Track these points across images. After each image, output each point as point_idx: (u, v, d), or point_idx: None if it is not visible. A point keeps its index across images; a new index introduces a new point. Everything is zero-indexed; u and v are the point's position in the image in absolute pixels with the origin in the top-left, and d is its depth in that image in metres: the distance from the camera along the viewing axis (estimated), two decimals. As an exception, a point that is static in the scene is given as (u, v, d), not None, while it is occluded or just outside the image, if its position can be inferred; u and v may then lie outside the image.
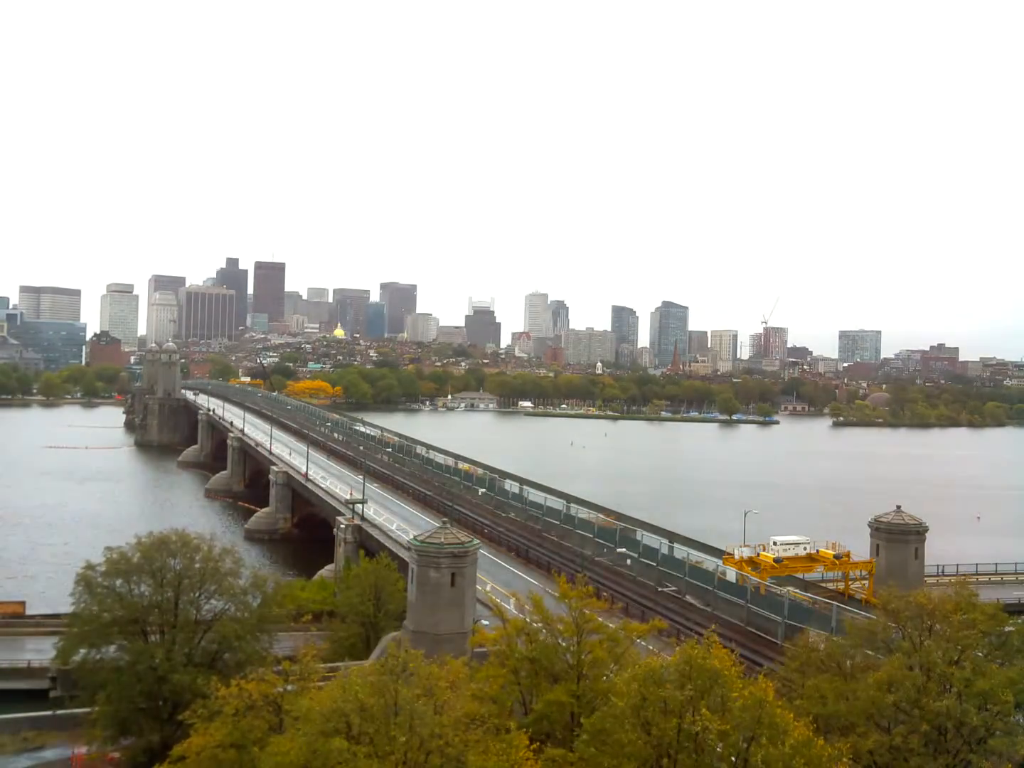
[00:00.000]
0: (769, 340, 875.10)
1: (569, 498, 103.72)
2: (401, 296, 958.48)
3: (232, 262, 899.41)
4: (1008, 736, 35.88)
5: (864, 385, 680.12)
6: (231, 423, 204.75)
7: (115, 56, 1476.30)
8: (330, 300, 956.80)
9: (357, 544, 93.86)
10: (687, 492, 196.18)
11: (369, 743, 32.05)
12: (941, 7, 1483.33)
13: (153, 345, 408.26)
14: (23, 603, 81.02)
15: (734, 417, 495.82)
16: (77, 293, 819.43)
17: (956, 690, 36.53)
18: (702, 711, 31.42)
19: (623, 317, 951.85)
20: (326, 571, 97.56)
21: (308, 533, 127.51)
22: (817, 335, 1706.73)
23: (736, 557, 74.93)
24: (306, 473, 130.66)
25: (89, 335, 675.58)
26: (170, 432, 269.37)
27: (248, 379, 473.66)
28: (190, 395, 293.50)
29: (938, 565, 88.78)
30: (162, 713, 49.99)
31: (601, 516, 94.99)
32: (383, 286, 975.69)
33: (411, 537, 64.76)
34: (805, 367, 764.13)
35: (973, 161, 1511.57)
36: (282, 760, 32.75)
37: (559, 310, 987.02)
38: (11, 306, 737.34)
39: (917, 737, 35.64)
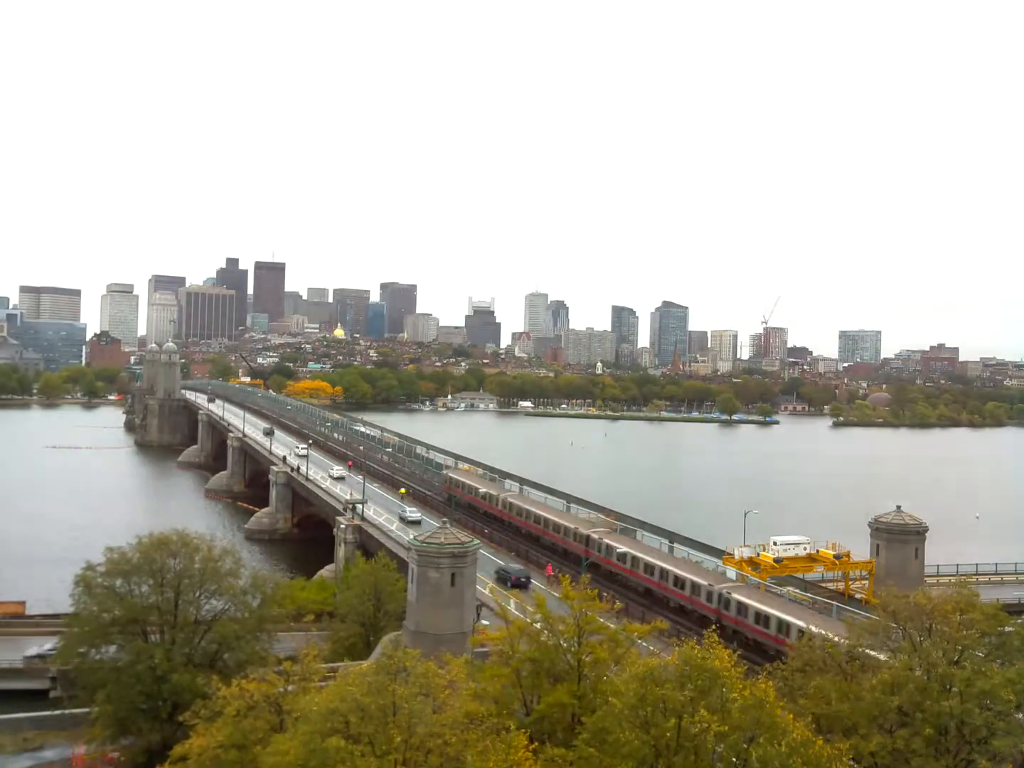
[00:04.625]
0: (769, 340, 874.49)
1: (569, 498, 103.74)
2: (401, 296, 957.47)
3: (232, 262, 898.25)
4: (1010, 736, 35.83)
5: (864, 385, 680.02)
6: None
7: (115, 56, 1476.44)
8: (330, 300, 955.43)
9: (357, 544, 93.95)
10: (687, 492, 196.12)
11: (367, 743, 32.03)
12: (941, 7, 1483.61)
13: (153, 345, 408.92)
14: (23, 603, 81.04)
15: (734, 417, 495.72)
16: (77, 293, 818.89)
17: (958, 690, 36.50)
18: (701, 711, 31.39)
19: (623, 317, 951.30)
20: (326, 571, 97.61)
21: (308, 533, 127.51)
22: (817, 335, 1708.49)
23: (736, 557, 74.96)
24: (306, 473, 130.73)
25: (89, 335, 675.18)
26: (170, 432, 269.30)
27: (248, 379, 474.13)
28: (190, 395, 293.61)
29: (938, 565, 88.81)
30: (162, 713, 50.01)
31: (601, 516, 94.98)
32: (383, 286, 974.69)
33: (411, 537, 64.79)
34: (805, 367, 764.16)
35: (973, 161, 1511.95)
36: (281, 760, 32.74)
37: (559, 310, 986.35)
38: (11, 306, 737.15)
39: (920, 739, 35.59)
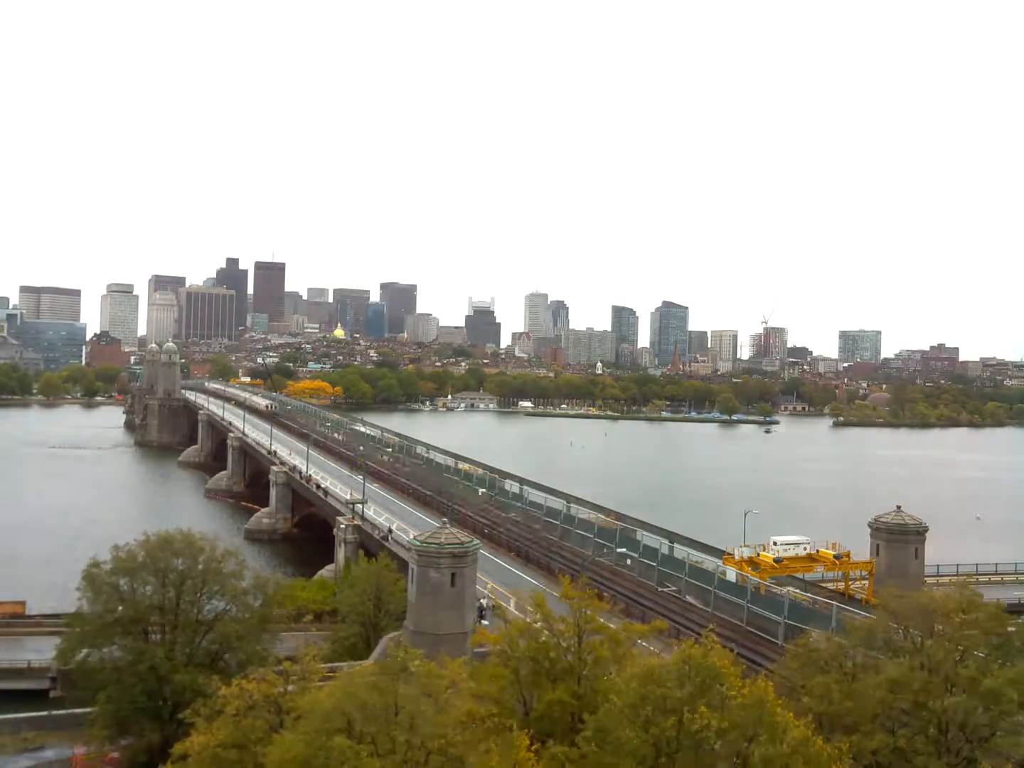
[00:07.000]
0: (769, 340, 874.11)
1: (569, 498, 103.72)
2: (401, 296, 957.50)
3: (232, 262, 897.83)
4: (1012, 735, 35.83)
5: (864, 385, 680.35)
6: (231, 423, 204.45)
7: (115, 56, 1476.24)
8: (330, 300, 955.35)
9: (357, 544, 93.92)
10: (686, 492, 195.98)
11: (371, 742, 32.03)
12: (941, 7, 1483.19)
13: (153, 345, 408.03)
14: (23, 603, 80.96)
15: (734, 417, 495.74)
16: (77, 293, 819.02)
17: (962, 689, 36.46)
18: (701, 709, 31.39)
19: (623, 317, 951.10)
20: (326, 571, 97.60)
21: (308, 533, 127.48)
22: (817, 335, 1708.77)
23: (736, 557, 74.89)
24: (306, 473, 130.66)
25: (89, 335, 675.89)
26: (170, 432, 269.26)
27: (248, 379, 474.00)
28: (190, 395, 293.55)
29: (938, 565, 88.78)
30: (163, 713, 50.02)
31: (601, 516, 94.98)
32: (383, 286, 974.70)
33: (411, 537, 64.80)
34: (805, 367, 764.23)
35: (973, 161, 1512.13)
36: (286, 757, 32.74)
37: (559, 310, 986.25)
38: (11, 306, 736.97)
39: (923, 738, 35.56)
